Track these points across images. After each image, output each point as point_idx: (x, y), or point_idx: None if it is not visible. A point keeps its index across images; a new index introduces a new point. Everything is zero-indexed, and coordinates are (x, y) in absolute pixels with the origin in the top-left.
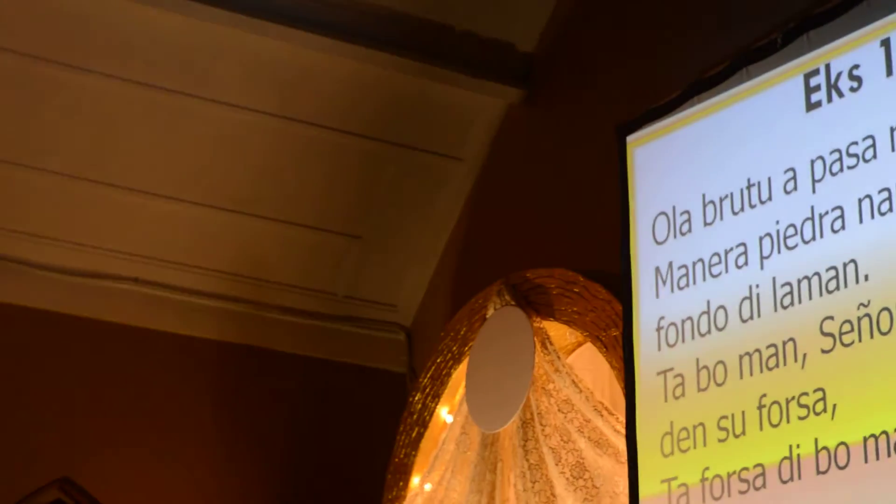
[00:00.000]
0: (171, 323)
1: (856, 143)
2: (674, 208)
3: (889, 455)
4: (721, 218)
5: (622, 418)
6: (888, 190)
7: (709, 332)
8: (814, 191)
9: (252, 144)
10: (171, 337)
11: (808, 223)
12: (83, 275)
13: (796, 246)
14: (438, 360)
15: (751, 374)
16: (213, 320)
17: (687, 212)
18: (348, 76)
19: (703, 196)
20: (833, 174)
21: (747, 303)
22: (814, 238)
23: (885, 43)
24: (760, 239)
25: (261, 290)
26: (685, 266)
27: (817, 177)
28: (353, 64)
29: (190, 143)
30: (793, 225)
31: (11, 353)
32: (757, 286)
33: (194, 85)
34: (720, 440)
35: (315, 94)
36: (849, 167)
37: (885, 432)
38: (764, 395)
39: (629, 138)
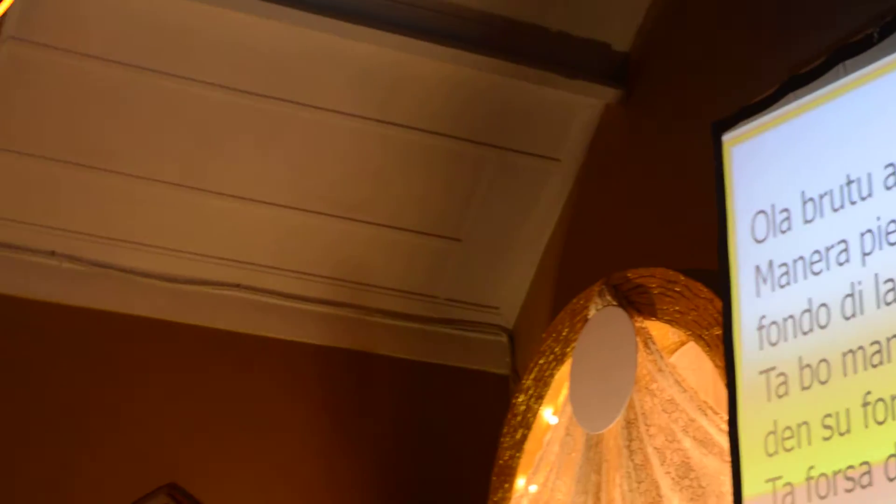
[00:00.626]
0: (275, 328)
1: None
2: (773, 206)
3: None
4: (821, 215)
5: (727, 417)
6: None
7: (811, 330)
8: None
9: (352, 149)
10: (274, 342)
11: None
12: (187, 282)
13: None
14: (541, 362)
15: (855, 372)
16: (316, 325)
17: (786, 210)
18: (446, 79)
19: (802, 193)
20: None
21: (850, 300)
22: None
23: None
24: (861, 235)
25: (363, 294)
26: (786, 264)
27: None
28: (450, 67)
29: (291, 149)
30: (895, 221)
31: (118, 360)
32: (859, 283)
33: (294, 91)
34: (825, 438)
35: (414, 97)
36: None
37: None
38: (868, 393)
39: (725, 136)
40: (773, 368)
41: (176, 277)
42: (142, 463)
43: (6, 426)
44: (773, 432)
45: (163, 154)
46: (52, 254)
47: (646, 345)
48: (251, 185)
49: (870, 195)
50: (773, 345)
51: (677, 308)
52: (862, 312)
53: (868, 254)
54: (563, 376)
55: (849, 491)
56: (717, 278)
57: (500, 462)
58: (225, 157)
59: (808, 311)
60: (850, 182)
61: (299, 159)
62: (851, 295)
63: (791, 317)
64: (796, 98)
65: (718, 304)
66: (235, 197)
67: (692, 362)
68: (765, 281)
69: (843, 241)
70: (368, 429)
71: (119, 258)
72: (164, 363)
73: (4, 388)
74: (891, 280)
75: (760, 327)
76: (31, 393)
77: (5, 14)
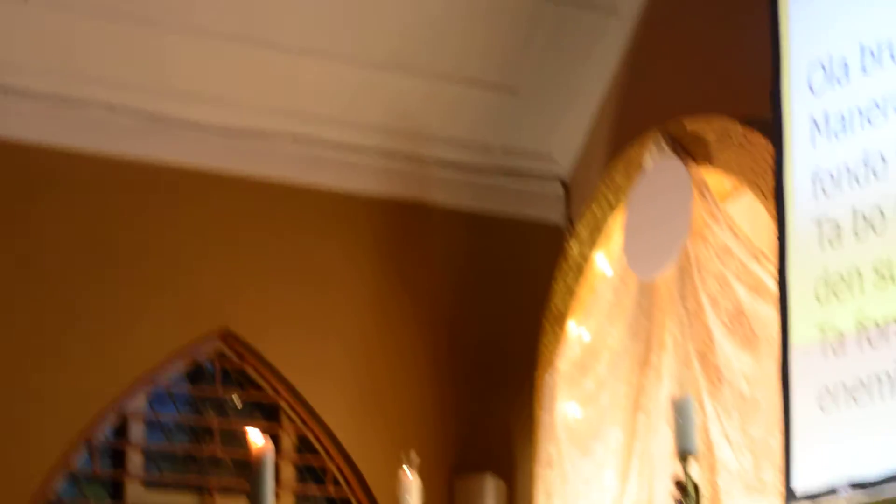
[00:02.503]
0: (330, 180)
1: None
2: (830, 56)
3: None
4: (880, 65)
5: None
6: None
7: (866, 180)
8: None
9: (411, 0)
10: (329, 195)
11: None
12: (242, 134)
13: None
14: (595, 210)
15: None
16: (372, 177)
17: (843, 59)
18: None
19: (860, 43)
20: None
21: None
22: None
23: None
24: None
25: (419, 145)
26: (842, 114)
27: None
28: None
29: (350, 0)
30: None
31: (174, 213)
32: None
33: None
34: (876, 286)
35: None
36: None
37: None
38: None
39: None
40: (826, 217)
41: (232, 130)
42: (197, 312)
43: (67, 276)
44: (825, 279)
45: (220, 6)
46: (110, 107)
47: (700, 192)
48: (309, 36)
49: None
50: (827, 195)
51: (733, 157)
52: None
53: None
54: (616, 224)
55: None
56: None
57: (553, 308)
58: (282, 8)
59: (864, 161)
60: None
61: (359, 10)
62: None
63: (846, 167)
64: None
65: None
66: (292, 48)
67: (747, 211)
68: (820, 131)
69: None
70: (422, 280)
71: (175, 111)
72: (220, 216)
73: (66, 241)
74: None
75: (814, 177)
76: (90, 244)
77: None
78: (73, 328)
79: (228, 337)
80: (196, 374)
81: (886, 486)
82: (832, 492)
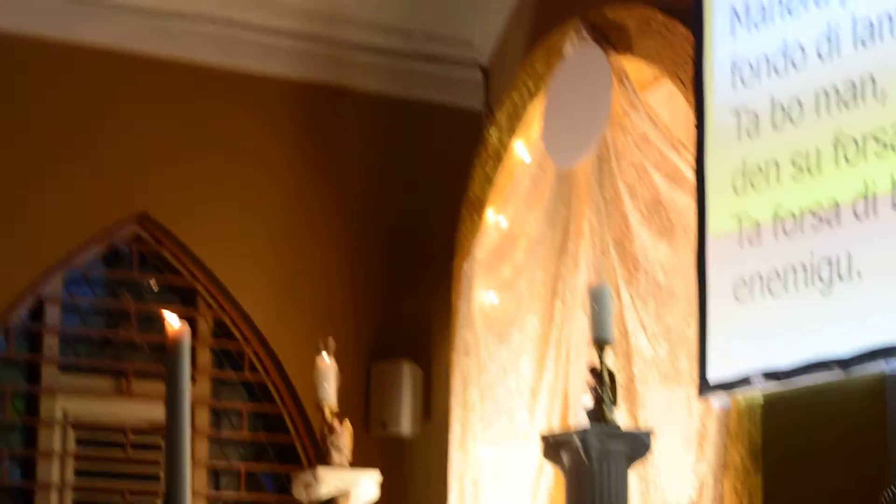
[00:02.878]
0: (248, 62)
1: None
2: None
3: None
4: None
5: None
6: None
7: (785, 70)
8: None
9: None
10: (248, 77)
11: None
12: (160, 14)
13: None
14: (514, 97)
15: (827, 112)
16: (291, 59)
17: None
18: None
19: None
20: None
21: (825, 40)
22: None
23: None
24: None
25: (338, 28)
26: (762, 4)
27: None
28: None
29: None
30: None
31: (90, 94)
32: (836, 23)
33: None
34: (793, 177)
35: None
36: None
37: None
38: (840, 133)
39: None
40: (744, 108)
41: (151, 11)
42: (112, 195)
43: None
44: (742, 170)
45: None
46: None
47: (620, 81)
48: None
49: None
50: (746, 85)
51: (653, 45)
52: (838, 53)
53: None
54: (535, 111)
55: (815, 229)
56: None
57: (471, 195)
58: None
59: (783, 51)
60: None
61: None
62: (828, 35)
63: (765, 57)
64: None
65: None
66: None
67: (666, 100)
68: (740, 21)
69: None
70: (341, 165)
71: None
72: (139, 96)
73: None
74: (868, 21)
75: (734, 67)
76: (5, 126)
77: None
78: None
79: (145, 221)
80: (113, 258)
81: (798, 377)
82: (746, 382)
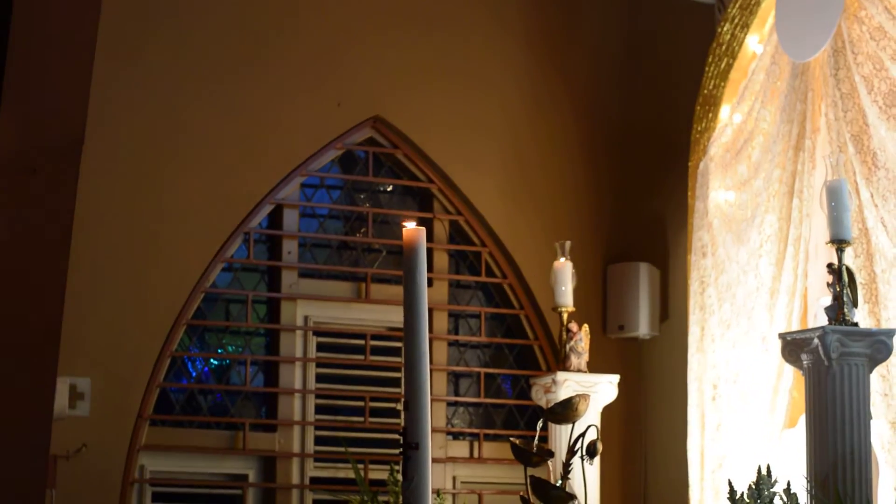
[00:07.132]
0: None
1: None
2: None
3: None
4: None
5: None
6: None
7: None
8: None
9: None
10: None
11: None
12: None
13: None
14: None
15: None
16: None
17: None
18: None
19: None
20: None
21: None
22: None
23: None
24: None
25: None
26: None
27: None
28: None
29: None
30: None
31: (324, 5)
32: None
33: None
34: None
35: None
36: None
37: None
38: None
39: None
40: None
41: None
42: (348, 100)
43: (218, 71)
44: None
45: None
46: None
47: None
48: None
49: None
50: None
51: None
52: None
53: None
54: (769, 4)
55: None
56: None
57: (705, 91)
58: None
59: None
60: None
61: None
62: None
63: None
64: None
65: None
66: None
67: None
68: None
69: None
70: (573, 65)
71: None
72: (371, 11)
73: (217, 36)
74: None
75: None
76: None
77: None
78: (227, 122)
79: (379, 124)
80: (348, 162)
81: None
82: None
